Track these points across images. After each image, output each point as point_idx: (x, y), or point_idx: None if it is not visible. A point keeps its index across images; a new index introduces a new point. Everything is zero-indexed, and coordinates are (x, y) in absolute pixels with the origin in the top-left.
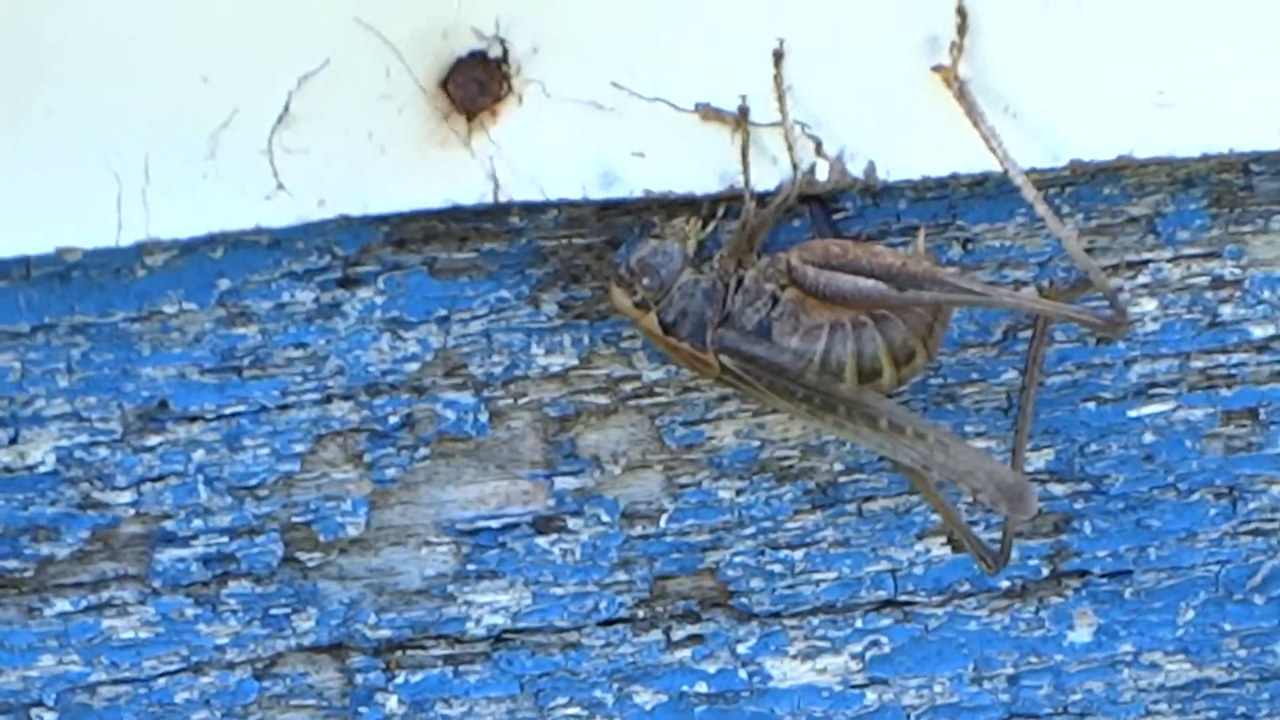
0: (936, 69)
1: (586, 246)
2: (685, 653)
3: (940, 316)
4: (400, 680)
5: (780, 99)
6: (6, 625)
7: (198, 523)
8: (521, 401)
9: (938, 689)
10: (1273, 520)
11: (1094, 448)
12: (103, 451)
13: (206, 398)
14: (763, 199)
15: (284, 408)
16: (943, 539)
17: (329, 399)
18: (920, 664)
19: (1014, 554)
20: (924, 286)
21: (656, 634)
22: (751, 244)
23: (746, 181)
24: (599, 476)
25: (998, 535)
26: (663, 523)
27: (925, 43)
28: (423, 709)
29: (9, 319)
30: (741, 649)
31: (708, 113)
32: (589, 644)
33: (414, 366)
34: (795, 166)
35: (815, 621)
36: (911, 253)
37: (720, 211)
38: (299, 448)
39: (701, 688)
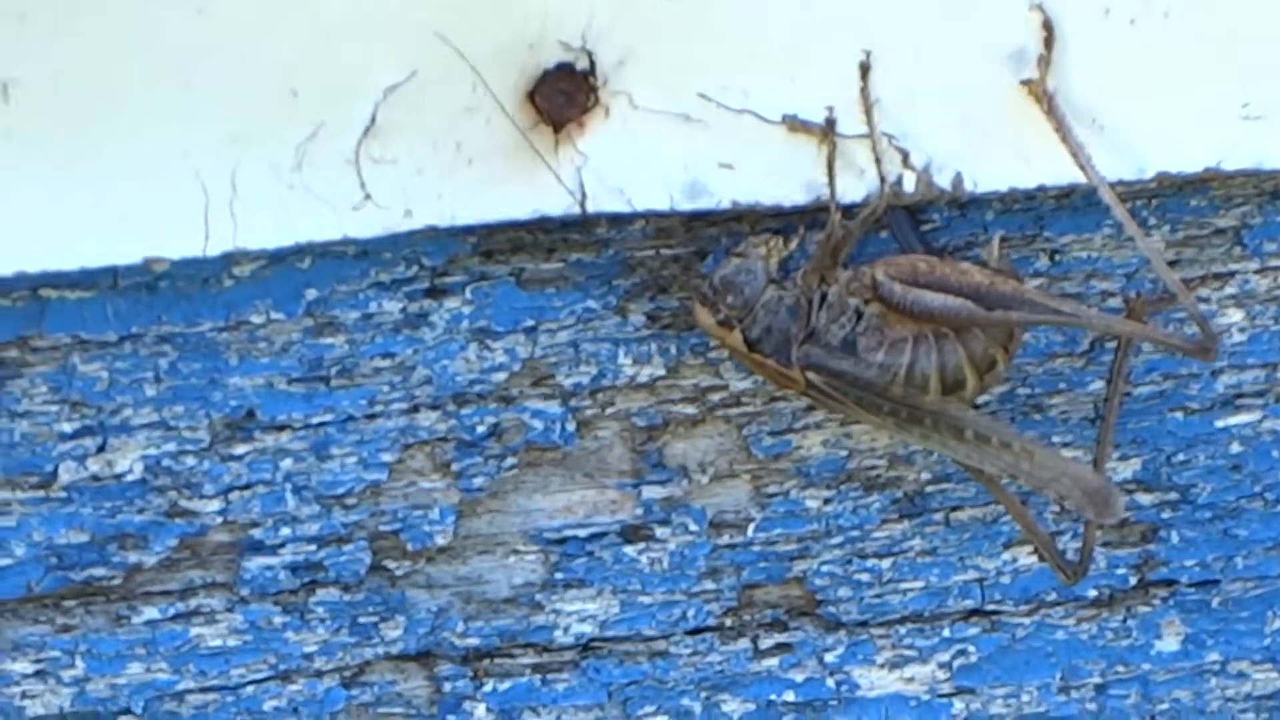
0: (1025, 83)
1: (674, 257)
2: (773, 661)
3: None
4: (488, 688)
5: (867, 111)
6: (95, 633)
7: (285, 531)
8: (609, 411)
9: (1025, 698)
10: None
11: (1181, 458)
12: (190, 460)
13: (294, 407)
14: (849, 211)
15: (371, 417)
16: (1029, 548)
17: (416, 408)
18: (1007, 673)
19: (1101, 563)
20: (1012, 306)
21: (744, 643)
22: (835, 258)
23: (832, 194)
24: (686, 486)
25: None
26: (750, 532)
27: (1012, 54)
28: (511, 717)
29: (97, 329)
30: (829, 658)
31: (795, 124)
32: (677, 652)
33: (501, 376)
34: (883, 179)
35: (902, 630)
36: (986, 258)
37: (803, 229)
38: (386, 457)
39: (789, 696)
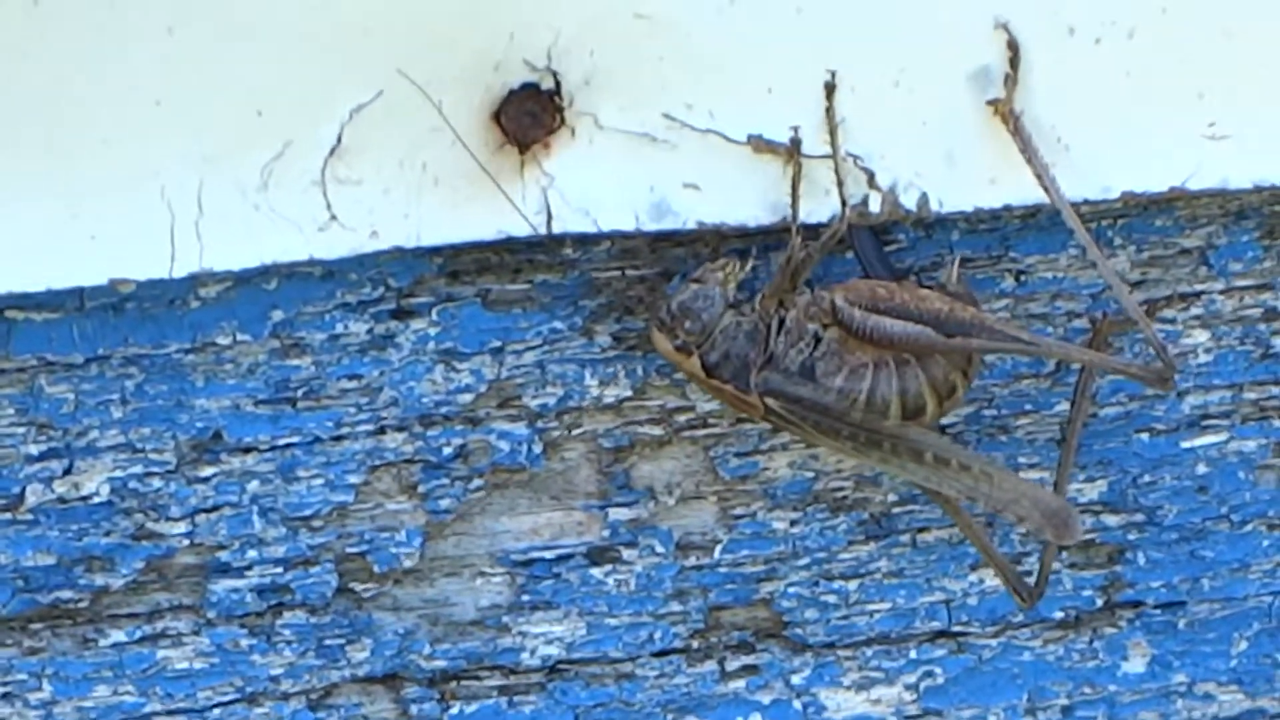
0: (992, 103)
1: (640, 278)
2: (739, 683)
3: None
4: (455, 711)
5: (831, 132)
6: (62, 656)
7: (252, 553)
8: (575, 432)
9: (991, 719)
10: None
11: (1147, 479)
12: (157, 482)
13: (260, 429)
14: (813, 230)
15: (338, 439)
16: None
17: (383, 430)
18: (974, 695)
19: (1068, 584)
20: (971, 333)
21: (711, 665)
22: (794, 282)
23: (794, 216)
24: (653, 507)
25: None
26: (717, 553)
27: (977, 74)
28: None
29: (63, 350)
30: (796, 679)
31: (760, 145)
32: (643, 674)
33: (468, 398)
34: (844, 202)
35: (869, 652)
36: (944, 280)
37: (755, 250)
38: (353, 479)
39: (756, 718)
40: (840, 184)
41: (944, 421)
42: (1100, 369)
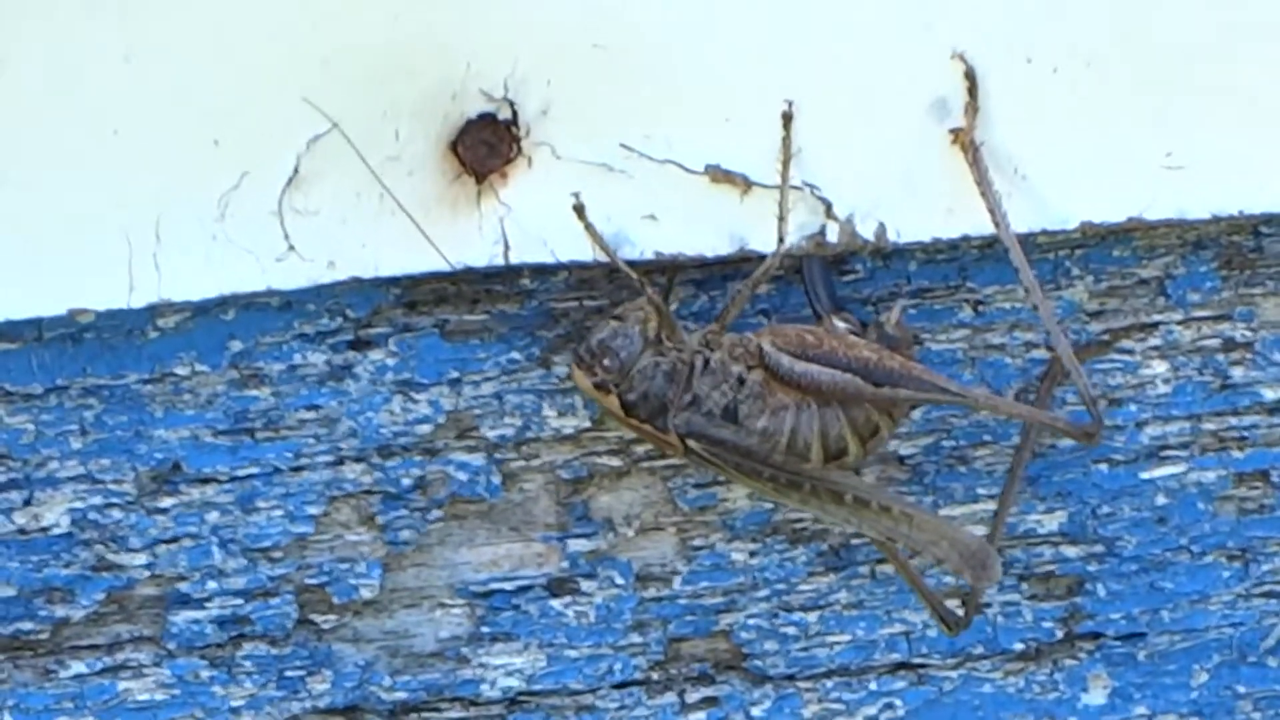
0: (953, 132)
1: (597, 308)
2: (699, 715)
3: None
4: None
5: (784, 163)
6: (22, 687)
7: (212, 584)
8: (534, 463)
9: None
10: None
11: (1106, 510)
12: (116, 513)
13: (220, 460)
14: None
15: (297, 469)
16: (956, 601)
17: (342, 461)
18: None
19: (1028, 616)
20: (899, 383)
21: (671, 696)
22: (723, 321)
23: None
24: (612, 539)
25: (1010, 598)
26: (676, 585)
27: (935, 105)
28: None
29: (22, 381)
30: (756, 711)
31: (717, 175)
32: (603, 706)
33: (426, 428)
34: (780, 239)
35: (829, 684)
36: (884, 321)
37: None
38: (312, 510)
39: None
40: (782, 219)
41: (903, 453)
42: (1029, 423)
